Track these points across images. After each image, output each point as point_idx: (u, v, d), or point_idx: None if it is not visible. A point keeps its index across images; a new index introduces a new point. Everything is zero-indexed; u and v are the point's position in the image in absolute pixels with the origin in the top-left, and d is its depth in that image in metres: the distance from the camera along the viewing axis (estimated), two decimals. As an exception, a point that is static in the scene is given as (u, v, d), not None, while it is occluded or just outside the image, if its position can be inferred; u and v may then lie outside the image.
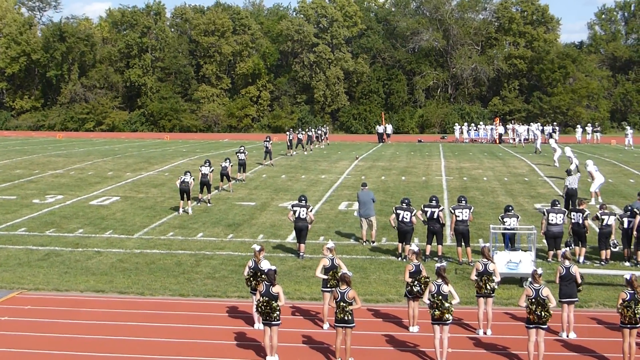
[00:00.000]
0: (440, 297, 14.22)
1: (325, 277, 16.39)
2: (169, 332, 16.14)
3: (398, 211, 22.41)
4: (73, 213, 30.16)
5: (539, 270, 14.53)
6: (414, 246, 16.80)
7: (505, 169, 45.95)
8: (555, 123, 77.85)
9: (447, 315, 14.20)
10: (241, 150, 39.52)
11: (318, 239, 24.90)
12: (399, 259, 22.29)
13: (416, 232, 25.81)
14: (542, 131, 70.21)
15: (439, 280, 14.42)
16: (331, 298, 14.60)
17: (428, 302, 14.40)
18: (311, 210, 23.02)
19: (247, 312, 17.04)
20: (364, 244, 24.50)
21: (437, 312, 14.22)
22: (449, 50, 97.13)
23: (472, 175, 42.46)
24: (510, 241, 21.64)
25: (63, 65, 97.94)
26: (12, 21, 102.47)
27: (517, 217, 21.89)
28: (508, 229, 21.39)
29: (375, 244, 24.43)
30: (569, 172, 30.41)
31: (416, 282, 15.79)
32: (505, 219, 21.63)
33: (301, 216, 22.60)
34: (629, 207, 22.63)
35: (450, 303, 14.27)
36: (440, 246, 22.42)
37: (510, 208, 22.20)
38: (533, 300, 13.99)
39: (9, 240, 25.02)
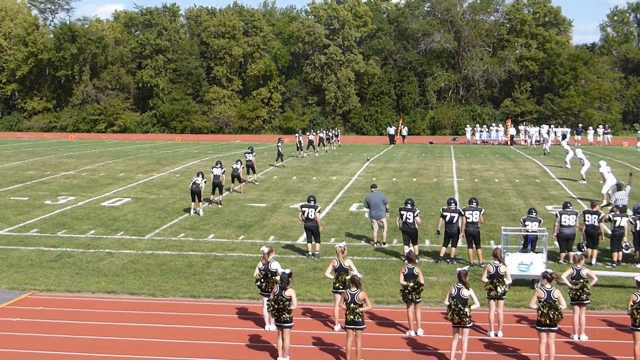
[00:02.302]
0: (457, 300, 14.18)
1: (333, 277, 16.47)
2: (180, 333, 16.16)
3: (402, 212, 22.41)
4: (85, 214, 30.26)
5: (550, 272, 14.48)
6: (407, 250, 16.73)
7: (516, 170, 45.84)
8: (580, 125, 77.65)
9: (466, 319, 14.17)
10: (249, 152, 39.37)
11: (329, 241, 24.89)
12: (405, 261, 22.20)
13: (427, 233, 25.84)
14: (555, 133, 70.26)
15: (460, 284, 14.37)
16: (342, 299, 14.61)
17: (447, 304, 14.36)
18: (319, 212, 23.02)
19: (258, 313, 17.07)
20: (375, 245, 24.48)
21: (455, 317, 14.19)
22: (460, 51, 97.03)
23: (483, 176, 42.38)
24: (531, 244, 21.47)
25: (74, 66, 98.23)
26: (21, 22, 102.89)
27: (540, 222, 21.57)
28: (530, 232, 21.22)
29: (385, 245, 24.40)
30: (619, 187, 27.44)
31: (409, 289, 15.80)
32: (527, 222, 21.46)
33: (310, 216, 22.62)
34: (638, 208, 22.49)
35: (469, 308, 14.23)
36: (453, 248, 22.36)
37: (533, 211, 21.97)
38: (544, 302, 13.96)
39: (21, 242, 25.12)
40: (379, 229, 24.55)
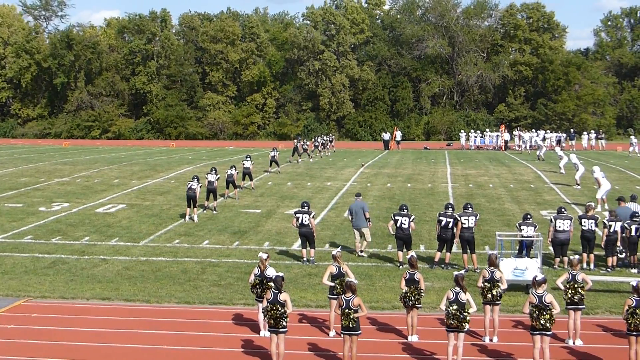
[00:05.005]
0: (457, 305, 14.18)
1: (332, 284, 16.39)
2: (174, 340, 16.14)
3: (396, 217, 22.34)
4: (79, 221, 30.21)
5: (543, 277, 14.49)
6: (409, 255, 16.67)
7: (511, 175, 45.89)
8: (572, 130, 77.81)
9: (464, 324, 14.16)
10: (246, 159, 39.27)
11: (324, 246, 24.88)
12: (400, 267, 22.16)
13: (422, 239, 25.85)
14: (549, 139, 70.40)
15: (457, 288, 14.37)
16: (337, 305, 14.58)
17: (444, 309, 14.35)
18: (314, 217, 22.96)
19: (253, 319, 17.04)
20: (358, 254, 23.84)
21: (455, 321, 14.17)
22: (455, 57, 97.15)
23: (478, 182, 42.41)
24: (526, 249, 21.49)
25: (70, 73, 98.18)
26: (20, 29, 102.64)
27: (535, 226, 21.61)
28: (525, 237, 21.22)
29: (364, 254, 23.81)
30: (633, 198, 25.80)
31: (409, 294, 15.76)
32: (522, 227, 21.47)
33: (304, 222, 22.59)
34: (637, 214, 22.46)
35: (468, 312, 14.23)
36: (448, 254, 22.35)
37: (528, 216, 21.98)
38: (535, 306, 13.97)
39: (15, 248, 25.06)
40: (361, 238, 24.17)
